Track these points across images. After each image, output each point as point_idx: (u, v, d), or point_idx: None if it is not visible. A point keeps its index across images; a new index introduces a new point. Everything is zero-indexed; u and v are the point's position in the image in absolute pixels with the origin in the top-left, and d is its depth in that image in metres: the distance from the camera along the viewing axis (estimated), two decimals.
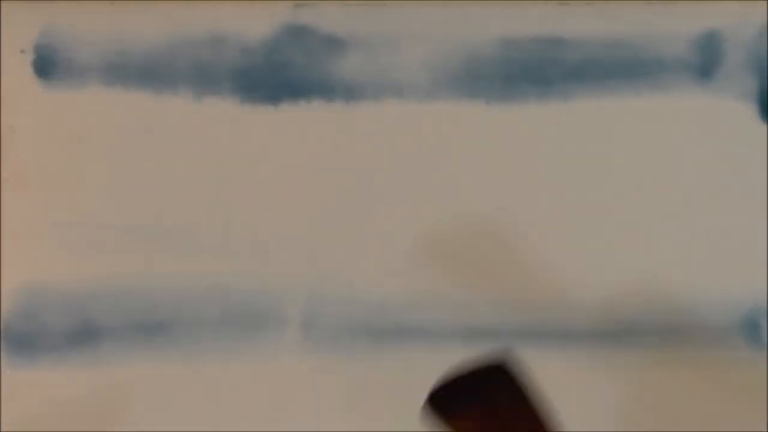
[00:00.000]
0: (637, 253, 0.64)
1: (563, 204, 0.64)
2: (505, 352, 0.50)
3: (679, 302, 0.64)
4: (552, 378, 0.64)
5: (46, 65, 0.66)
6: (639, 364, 0.64)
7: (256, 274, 0.64)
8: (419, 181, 0.65)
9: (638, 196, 0.64)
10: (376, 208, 0.65)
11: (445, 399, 0.50)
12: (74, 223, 0.65)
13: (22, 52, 0.66)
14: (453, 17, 0.65)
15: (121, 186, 0.65)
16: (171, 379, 0.64)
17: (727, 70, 0.64)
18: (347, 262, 0.64)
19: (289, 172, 0.65)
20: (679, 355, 0.64)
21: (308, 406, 0.64)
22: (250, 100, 0.65)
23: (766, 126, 0.64)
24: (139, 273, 0.64)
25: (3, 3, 0.65)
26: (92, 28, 0.66)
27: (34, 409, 0.64)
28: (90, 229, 0.65)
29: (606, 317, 0.64)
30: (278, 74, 0.65)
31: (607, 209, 0.64)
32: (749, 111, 0.64)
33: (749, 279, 0.63)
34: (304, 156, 0.65)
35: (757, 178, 0.64)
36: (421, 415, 0.48)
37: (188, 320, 0.64)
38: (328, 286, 0.64)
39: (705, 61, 0.65)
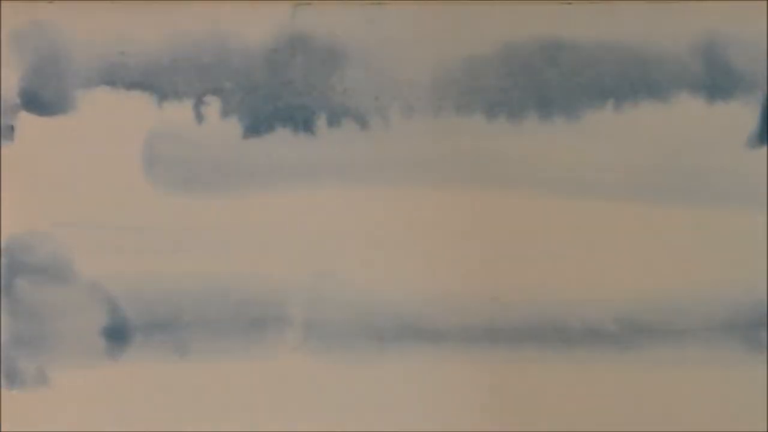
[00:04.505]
0: (638, 253, 0.64)
1: (564, 204, 0.64)
2: None
3: (679, 302, 0.64)
4: (552, 378, 0.64)
5: (46, 66, 0.65)
6: (639, 364, 0.64)
7: (257, 274, 0.64)
8: (420, 182, 0.65)
9: (638, 195, 0.64)
10: (377, 209, 0.65)
11: None
12: (74, 223, 0.65)
13: (22, 52, 0.66)
14: (455, 19, 0.65)
15: (122, 186, 0.65)
16: (172, 379, 0.64)
17: (728, 70, 0.64)
18: (348, 263, 0.64)
19: (290, 172, 0.65)
20: (679, 355, 0.64)
21: (308, 406, 0.64)
22: (251, 101, 0.65)
23: (766, 127, 0.64)
24: (140, 273, 0.64)
25: (2, 3, 0.65)
26: (92, 28, 0.66)
27: (35, 409, 0.64)
28: (90, 230, 0.65)
29: (606, 317, 0.64)
30: (278, 76, 0.65)
31: (608, 209, 0.64)
32: (749, 111, 0.64)
33: (749, 279, 0.63)
34: (305, 156, 0.65)
35: (757, 177, 0.64)
36: None
37: (189, 320, 0.64)
38: (329, 287, 0.64)
39: (706, 61, 0.65)
